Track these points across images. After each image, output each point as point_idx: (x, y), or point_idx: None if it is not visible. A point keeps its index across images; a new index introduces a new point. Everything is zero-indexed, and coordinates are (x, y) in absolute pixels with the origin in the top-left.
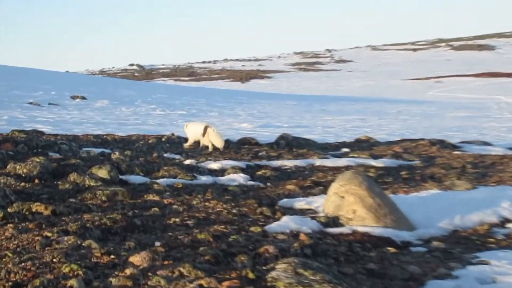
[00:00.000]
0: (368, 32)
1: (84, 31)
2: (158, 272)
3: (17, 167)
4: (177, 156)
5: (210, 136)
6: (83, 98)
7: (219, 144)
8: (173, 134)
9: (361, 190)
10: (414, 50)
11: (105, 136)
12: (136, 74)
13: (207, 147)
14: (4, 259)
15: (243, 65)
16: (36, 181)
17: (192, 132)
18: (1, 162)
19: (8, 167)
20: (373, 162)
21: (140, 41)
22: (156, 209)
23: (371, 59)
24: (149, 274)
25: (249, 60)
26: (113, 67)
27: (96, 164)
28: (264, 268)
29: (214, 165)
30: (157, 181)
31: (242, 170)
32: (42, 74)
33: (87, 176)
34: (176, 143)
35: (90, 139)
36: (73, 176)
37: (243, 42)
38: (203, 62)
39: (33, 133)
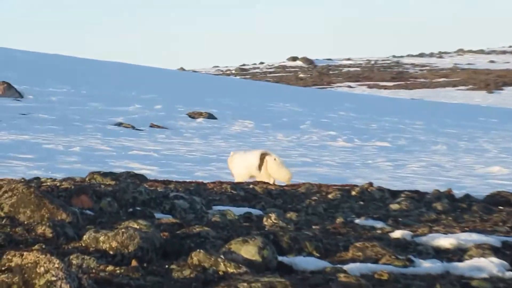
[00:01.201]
0: None
1: (210, 6)
2: None
3: (101, 239)
4: (379, 224)
5: (269, 167)
6: (210, 116)
7: (286, 176)
8: (371, 185)
9: None
10: None
11: (251, 186)
12: (301, 75)
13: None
14: None
15: (491, 61)
16: (134, 263)
17: (241, 165)
18: (73, 228)
19: (85, 237)
20: None
21: (305, 20)
22: None
23: None
24: None
25: (502, 52)
26: (261, 63)
27: (237, 236)
28: None
29: (444, 241)
30: (344, 267)
31: (495, 251)
32: (139, 73)
33: (222, 257)
34: (377, 199)
35: (226, 191)
36: (197, 256)
37: (491, 20)
38: (420, 55)
39: (127, 177)
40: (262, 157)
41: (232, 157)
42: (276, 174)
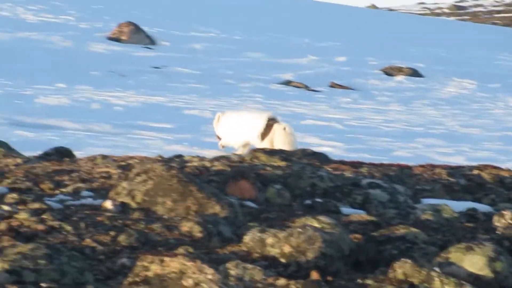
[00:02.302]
0: None
1: None
2: None
3: (268, 241)
4: None
5: (277, 139)
6: (414, 73)
7: None
8: None
9: None
10: None
11: (476, 172)
12: None
13: None
14: None
15: None
16: (315, 275)
17: (236, 128)
18: (230, 226)
19: (246, 239)
20: None
21: None
22: None
23: None
24: None
25: None
26: None
27: (457, 241)
28: None
29: None
30: None
31: None
32: (314, 12)
33: (437, 270)
34: None
35: (440, 177)
36: (402, 268)
37: None
38: None
39: (302, 157)
40: (270, 123)
41: (220, 119)
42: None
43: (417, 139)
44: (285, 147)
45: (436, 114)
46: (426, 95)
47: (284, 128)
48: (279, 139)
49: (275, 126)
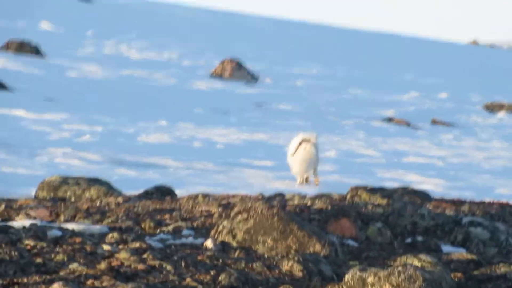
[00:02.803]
0: None
1: None
2: None
3: (369, 280)
4: None
5: (297, 152)
6: None
7: (297, 168)
8: None
9: None
10: None
11: None
12: None
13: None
14: None
15: None
16: None
17: (289, 152)
18: (330, 265)
19: (347, 278)
20: None
21: None
22: None
23: None
24: None
25: None
26: None
27: None
28: None
29: None
30: None
31: None
32: (415, 48)
33: None
34: None
35: None
36: None
37: None
38: None
39: (403, 195)
40: (302, 142)
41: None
42: (294, 159)
43: None
44: (298, 160)
45: None
46: None
47: (305, 148)
48: (297, 154)
49: (303, 144)
